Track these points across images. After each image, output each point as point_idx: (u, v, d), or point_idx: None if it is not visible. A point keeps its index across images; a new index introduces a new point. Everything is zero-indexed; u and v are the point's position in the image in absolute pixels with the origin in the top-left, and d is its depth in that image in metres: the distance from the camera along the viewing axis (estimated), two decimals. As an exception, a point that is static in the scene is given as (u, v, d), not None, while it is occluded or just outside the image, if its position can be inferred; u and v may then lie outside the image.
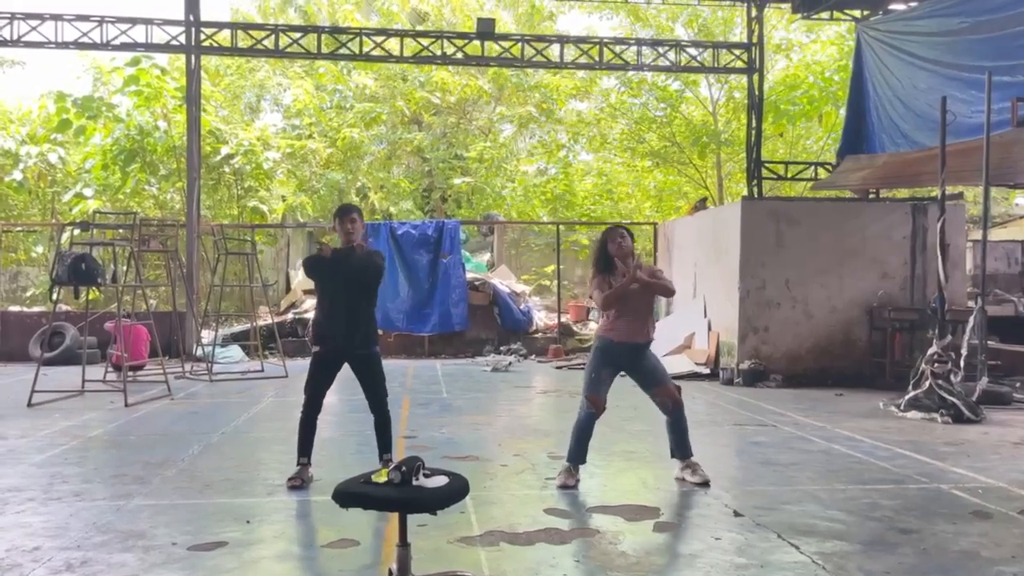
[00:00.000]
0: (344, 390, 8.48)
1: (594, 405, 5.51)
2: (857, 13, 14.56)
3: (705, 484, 5.44)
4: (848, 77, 14.50)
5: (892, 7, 13.95)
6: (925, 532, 4.49)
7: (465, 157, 23.31)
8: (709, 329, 12.31)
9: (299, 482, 5.41)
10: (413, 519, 3.86)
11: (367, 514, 4.15)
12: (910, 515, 4.82)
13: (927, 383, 8.60)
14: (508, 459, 6.33)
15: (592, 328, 16.19)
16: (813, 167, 15.88)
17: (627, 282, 5.32)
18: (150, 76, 18.02)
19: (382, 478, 3.34)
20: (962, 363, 8.92)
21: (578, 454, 5.55)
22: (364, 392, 5.62)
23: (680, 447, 5.63)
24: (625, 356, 5.51)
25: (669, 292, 5.62)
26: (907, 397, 8.71)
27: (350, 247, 5.47)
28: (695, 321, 12.67)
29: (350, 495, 3.30)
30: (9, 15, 13.83)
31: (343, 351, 5.51)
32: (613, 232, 5.58)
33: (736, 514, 4.84)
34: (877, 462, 6.27)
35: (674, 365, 11.90)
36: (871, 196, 13.77)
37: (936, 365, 8.65)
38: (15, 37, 13.89)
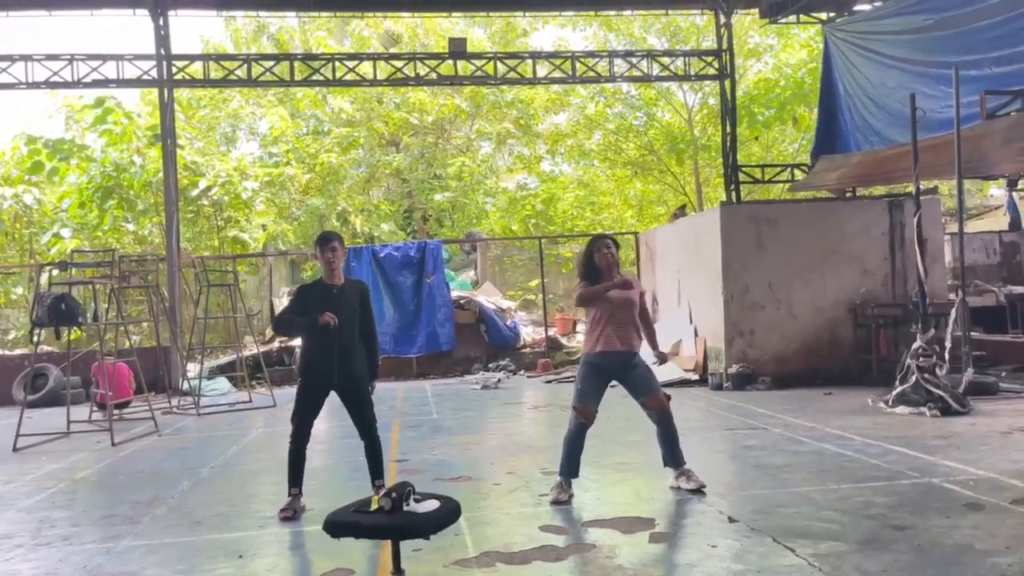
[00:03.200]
0: (334, 417, 8.44)
1: (583, 415, 5.51)
2: (823, 15, 14.75)
3: (700, 490, 5.44)
4: (819, 79, 14.67)
5: (857, 8, 14.14)
6: (919, 528, 4.51)
7: (444, 176, 23.37)
8: (695, 335, 12.34)
9: (291, 513, 5.36)
10: (407, 544, 3.84)
11: (362, 541, 4.11)
12: (904, 511, 4.84)
13: (913, 377, 8.64)
14: (501, 478, 6.31)
15: (579, 340, 16.19)
16: (789, 169, 16.01)
17: (609, 286, 5.39)
18: (118, 114, 18.02)
19: (373, 506, 3.33)
20: (947, 355, 8.97)
21: (570, 467, 5.54)
22: (353, 420, 5.57)
23: (672, 456, 5.63)
24: (614, 366, 5.51)
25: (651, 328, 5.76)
26: (895, 392, 8.76)
27: (340, 286, 5.42)
28: (681, 328, 12.71)
29: (341, 525, 3.29)
30: (-22, 58, 13.77)
31: (333, 384, 5.47)
32: (599, 241, 5.61)
33: (731, 520, 4.84)
34: (868, 459, 6.29)
35: (663, 373, 11.81)
36: (848, 195, 13.88)
37: (921, 359, 8.70)
38: (-15, 80, 13.82)
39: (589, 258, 5.58)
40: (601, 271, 5.52)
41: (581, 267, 5.66)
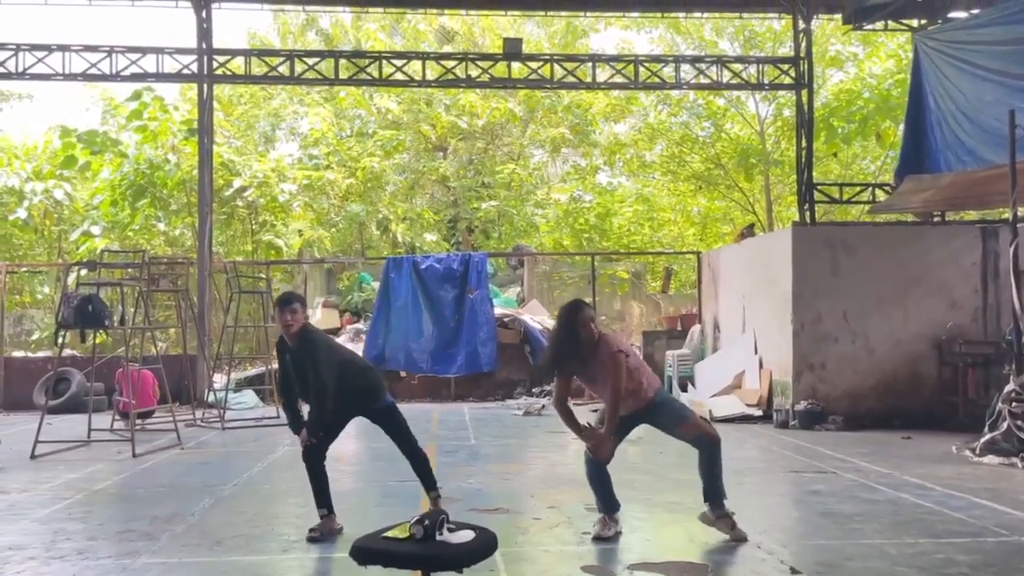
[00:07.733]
0: (365, 436, 8.50)
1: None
2: (914, 23, 14.54)
3: (743, 539, 5.32)
4: (907, 91, 14.44)
5: (952, 15, 13.90)
6: (1006, 591, 4.37)
7: (493, 184, 23.51)
8: (760, 367, 12.16)
9: (318, 534, 5.43)
10: (438, 578, 3.84)
11: (390, 571, 4.13)
12: (988, 571, 4.70)
13: (1005, 424, 8.42)
14: (541, 512, 6.29)
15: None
16: (870, 189, 15.76)
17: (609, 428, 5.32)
18: (154, 111, 18.58)
19: (404, 533, 3.34)
20: (1044, 401, 8.71)
21: (607, 502, 5.50)
22: (392, 440, 5.72)
23: (713, 489, 5.45)
24: (632, 422, 5.48)
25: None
26: (983, 440, 8.53)
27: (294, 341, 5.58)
28: (745, 358, 12.54)
29: (369, 552, 3.31)
30: (15, 46, 14.27)
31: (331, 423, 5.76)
32: (584, 313, 5.18)
33: (793, 571, 4.75)
34: (951, 512, 6.12)
35: (723, 407, 11.77)
36: (935, 219, 13.61)
37: (1014, 404, 8.48)
38: (20, 69, 14.31)
39: (575, 335, 5.11)
40: (584, 350, 5.19)
41: (561, 348, 5.21)
